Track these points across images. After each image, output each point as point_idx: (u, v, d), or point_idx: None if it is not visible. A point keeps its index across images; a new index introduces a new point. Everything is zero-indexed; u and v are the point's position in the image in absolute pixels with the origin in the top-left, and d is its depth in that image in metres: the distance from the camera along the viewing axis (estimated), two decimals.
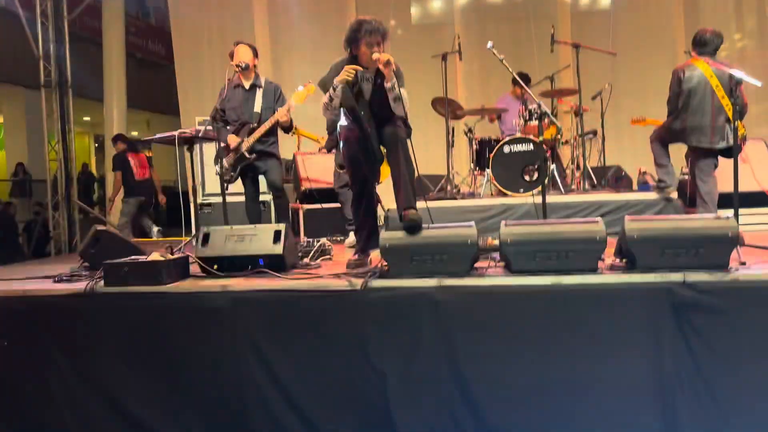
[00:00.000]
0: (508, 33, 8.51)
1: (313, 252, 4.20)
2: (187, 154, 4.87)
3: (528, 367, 3.10)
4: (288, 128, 5.27)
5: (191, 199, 5.69)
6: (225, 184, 4.99)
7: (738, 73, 3.97)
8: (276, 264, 3.58)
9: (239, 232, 3.70)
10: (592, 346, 3.06)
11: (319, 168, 6.51)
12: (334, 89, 3.65)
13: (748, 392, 2.96)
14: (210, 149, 6.40)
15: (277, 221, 5.22)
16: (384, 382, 3.19)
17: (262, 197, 5.45)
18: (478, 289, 3.16)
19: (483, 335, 3.13)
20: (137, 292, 3.38)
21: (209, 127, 4.66)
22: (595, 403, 3.05)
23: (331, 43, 8.10)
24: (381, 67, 3.60)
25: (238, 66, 4.89)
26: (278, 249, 3.60)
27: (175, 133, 4.63)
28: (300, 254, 4.14)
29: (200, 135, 4.76)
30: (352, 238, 5.02)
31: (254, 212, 5.30)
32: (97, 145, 17.70)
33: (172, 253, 3.68)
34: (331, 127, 5.57)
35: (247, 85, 5.06)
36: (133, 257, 3.60)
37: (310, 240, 4.84)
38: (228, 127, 5.08)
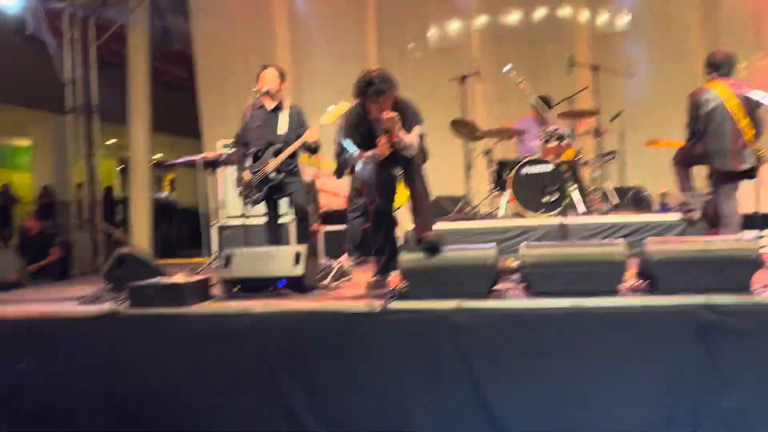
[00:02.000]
0: (526, 55, 8.52)
1: (333, 273, 4.23)
2: (210, 177, 4.93)
3: (549, 390, 3.07)
4: (315, 149, 5.33)
5: (213, 221, 5.75)
6: (250, 206, 5.04)
7: (756, 95, 3.96)
8: (296, 285, 3.62)
9: (260, 254, 3.75)
10: (614, 370, 3.03)
11: (339, 190, 6.56)
12: (354, 158, 3.76)
13: None
14: (232, 172, 6.48)
15: (299, 243, 5.26)
16: (403, 403, 3.18)
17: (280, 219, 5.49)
18: (497, 311, 3.16)
19: (503, 357, 3.12)
20: (161, 314, 3.42)
21: (232, 151, 4.73)
22: (617, 427, 3.01)
23: (351, 68, 8.21)
24: (385, 127, 3.61)
25: (263, 90, 4.97)
26: (299, 270, 3.64)
27: (198, 157, 4.70)
28: (320, 275, 4.17)
29: (223, 159, 4.83)
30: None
31: (274, 234, 5.34)
32: (121, 167, 17.98)
33: (194, 275, 3.73)
34: (340, 154, 5.63)
35: (269, 106, 5.14)
36: (156, 279, 3.66)
37: (330, 261, 4.88)
38: (248, 151, 5.14)
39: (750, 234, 3.38)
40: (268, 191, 5.06)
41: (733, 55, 4.79)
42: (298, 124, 5.18)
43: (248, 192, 5.08)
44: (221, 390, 3.35)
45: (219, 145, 6.40)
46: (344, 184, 6.08)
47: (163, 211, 13.37)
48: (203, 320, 3.41)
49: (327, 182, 6.68)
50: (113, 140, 15.20)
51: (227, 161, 4.94)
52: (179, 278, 3.60)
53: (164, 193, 18.37)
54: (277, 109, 5.14)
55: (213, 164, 4.88)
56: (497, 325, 3.13)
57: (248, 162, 5.12)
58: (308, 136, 4.99)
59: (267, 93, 4.99)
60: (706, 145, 4.78)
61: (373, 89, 3.61)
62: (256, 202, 5.13)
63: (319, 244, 6.35)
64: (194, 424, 3.37)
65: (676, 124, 6.59)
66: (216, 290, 3.75)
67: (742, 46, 8.07)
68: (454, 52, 8.59)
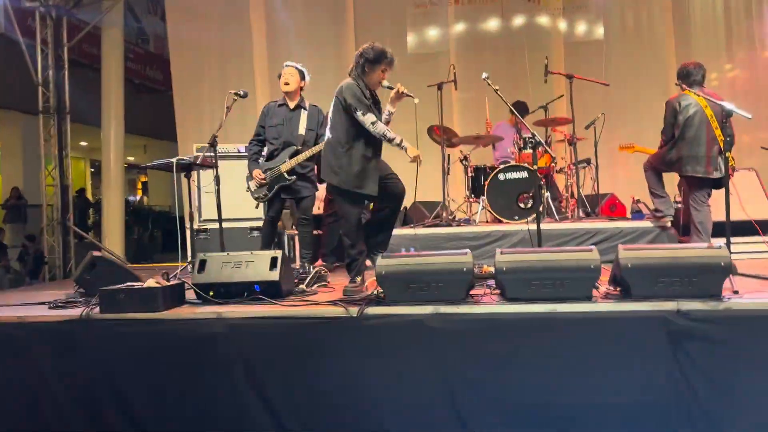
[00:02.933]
0: (503, 63, 8.62)
1: (309, 278, 4.21)
2: (185, 181, 4.88)
3: (523, 395, 3.10)
4: None
5: (187, 224, 5.69)
6: (256, 204, 5.11)
7: (729, 106, 4.04)
8: (272, 290, 3.59)
9: (235, 258, 3.72)
10: (587, 375, 3.06)
11: (318, 194, 6.54)
12: (393, 140, 3.86)
13: (744, 420, 2.96)
14: (207, 176, 6.43)
15: (302, 248, 5.24)
16: (380, 408, 3.18)
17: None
18: (473, 316, 3.17)
19: (478, 363, 3.14)
20: (133, 318, 3.38)
21: (208, 154, 4.69)
22: (589, 430, 3.04)
23: (329, 68, 8.21)
24: (395, 95, 3.97)
25: (284, 88, 5.08)
26: (274, 276, 3.61)
27: (174, 160, 4.66)
28: (296, 280, 4.14)
29: (198, 162, 4.79)
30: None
31: (270, 236, 5.29)
32: (93, 170, 17.72)
33: (167, 280, 3.68)
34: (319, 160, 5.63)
35: (291, 105, 5.13)
36: (128, 284, 3.60)
37: (306, 266, 4.85)
38: (265, 148, 5.11)
39: (720, 241, 3.44)
40: (278, 191, 5.04)
41: (701, 65, 4.89)
42: (318, 125, 5.17)
43: (258, 189, 5.05)
44: (194, 395, 3.30)
45: (195, 148, 6.35)
46: (322, 188, 6.06)
47: (136, 215, 13.18)
48: (176, 325, 3.37)
49: None
50: (85, 142, 14.99)
51: (202, 165, 4.89)
52: (152, 283, 3.55)
53: (137, 197, 18.15)
54: (299, 107, 5.14)
55: (187, 168, 4.82)
56: (473, 331, 3.15)
57: (262, 160, 5.10)
58: None
59: (290, 91, 5.07)
60: (680, 151, 4.86)
61: (389, 57, 3.96)
62: (263, 200, 5.10)
63: (296, 248, 6.32)
64: (166, 429, 3.32)
65: (648, 132, 6.71)
66: (190, 295, 3.71)
67: (714, 57, 8.29)
68: (431, 59, 8.64)
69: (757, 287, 3.40)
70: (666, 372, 3.01)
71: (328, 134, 4.06)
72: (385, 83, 3.99)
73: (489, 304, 3.25)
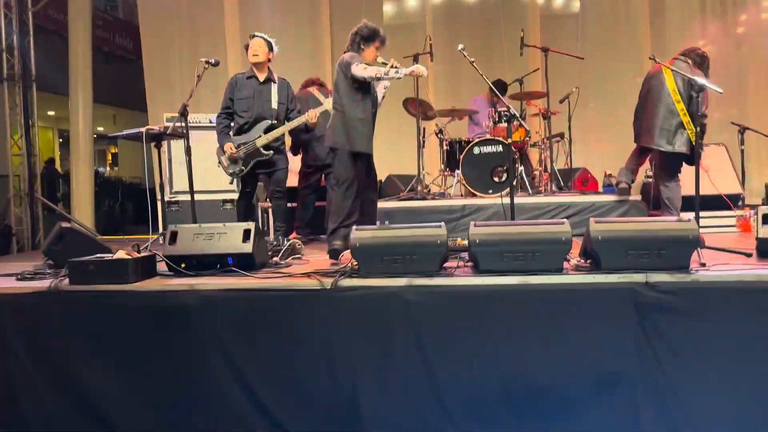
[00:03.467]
0: (480, 35, 8.58)
1: (283, 251, 4.19)
2: (155, 151, 4.80)
3: (496, 365, 3.14)
4: (311, 130, 5.29)
5: (158, 196, 5.61)
6: (231, 179, 5.06)
7: (700, 80, 4.06)
8: (245, 263, 3.56)
9: (208, 230, 3.67)
10: (558, 345, 3.11)
11: (292, 167, 6.49)
12: (393, 70, 4.10)
13: (708, 392, 3.03)
14: (178, 146, 6.32)
15: (276, 221, 5.21)
16: (353, 380, 3.20)
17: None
18: (447, 288, 3.19)
19: (452, 334, 3.16)
20: (102, 290, 3.33)
21: (178, 124, 4.60)
22: (561, 400, 3.10)
23: (303, 37, 8.09)
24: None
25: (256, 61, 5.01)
26: (247, 248, 3.58)
27: (143, 129, 4.56)
28: (270, 253, 4.12)
29: (168, 132, 4.70)
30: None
31: (247, 210, 5.25)
32: (61, 140, 17.33)
33: (138, 251, 3.63)
34: (296, 133, 5.59)
35: (261, 77, 5.03)
36: (98, 255, 3.54)
37: (280, 239, 4.82)
38: (233, 122, 5.02)
39: (689, 215, 3.50)
40: (254, 166, 4.97)
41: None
42: (288, 99, 5.09)
43: (232, 164, 4.97)
44: (165, 367, 3.28)
45: (165, 118, 6.23)
46: (297, 161, 6.01)
47: (107, 187, 12.95)
48: (147, 297, 3.33)
49: None
50: (53, 112, 14.61)
51: (173, 134, 4.80)
52: (122, 254, 3.50)
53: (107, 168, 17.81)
54: (269, 80, 5.04)
55: (157, 138, 4.73)
56: (446, 302, 3.17)
57: (231, 133, 5.01)
58: (309, 116, 4.92)
59: (259, 63, 5.00)
60: (640, 123, 4.90)
61: (383, 35, 4.36)
62: (239, 176, 5.03)
63: (269, 221, 6.28)
64: (138, 403, 3.30)
65: (620, 106, 6.75)
66: (162, 267, 3.66)
67: (687, 33, 8.36)
68: (407, 29, 8.55)
69: (724, 260, 3.46)
70: (633, 343, 3.07)
71: (335, 105, 4.36)
72: (380, 60, 4.26)
73: (462, 276, 3.27)
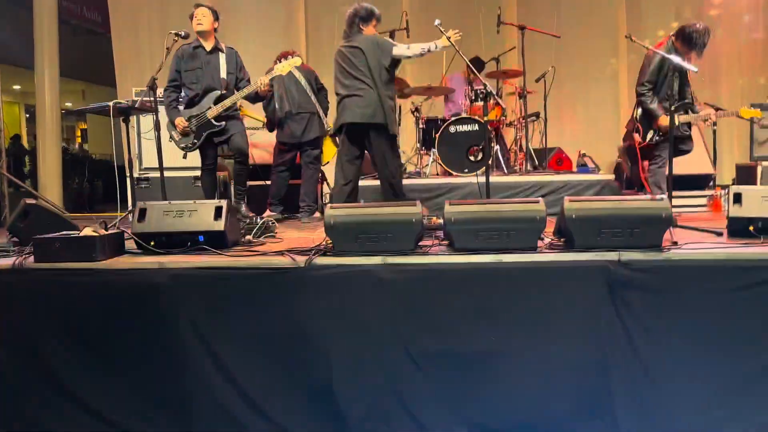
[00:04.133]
0: (456, 12, 8.50)
1: (256, 229, 4.13)
2: (123, 126, 4.67)
3: (470, 343, 3.14)
4: (262, 98, 5.21)
5: (127, 173, 5.48)
6: (184, 153, 4.92)
7: (675, 60, 4.07)
8: (217, 241, 3.49)
9: (178, 207, 3.59)
10: (532, 324, 3.12)
11: (263, 144, 6.41)
12: (431, 45, 4.68)
13: (679, 370, 3.06)
14: (147, 121, 6.18)
15: (237, 185, 5.15)
16: (327, 359, 3.17)
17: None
18: (422, 266, 3.17)
19: (427, 312, 3.15)
20: (69, 268, 3.24)
21: (147, 98, 4.48)
22: (535, 378, 3.12)
23: (276, 18, 7.92)
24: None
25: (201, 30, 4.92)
26: (219, 225, 3.51)
27: (110, 103, 4.43)
28: (243, 231, 4.05)
29: (137, 106, 4.59)
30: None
31: (211, 185, 5.17)
32: (28, 115, 16.88)
33: (106, 229, 3.54)
34: (271, 111, 5.52)
35: (208, 47, 4.92)
36: (64, 232, 3.45)
37: (253, 216, 4.76)
38: (183, 93, 4.92)
39: (661, 194, 3.52)
40: (208, 137, 4.88)
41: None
42: (237, 68, 5.01)
43: (184, 138, 4.88)
44: (135, 346, 3.22)
45: (133, 92, 6.08)
46: (270, 137, 5.92)
47: (75, 163, 12.66)
48: (115, 275, 3.25)
49: (255, 138, 6.51)
50: (18, 86, 14.21)
51: (141, 109, 4.68)
52: (89, 231, 3.41)
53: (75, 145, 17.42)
54: (216, 50, 4.94)
55: (126, 112, 4.60)
56: (421, 281, 3.15)
57: (182, 106, 4.92)
58: (260, 83, 4.83)
59: (204, 32, 4.90)
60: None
61: (379, 14, 4.85)
62: (191, 149, 4.93)
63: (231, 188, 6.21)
64: (108, 383, 3.24)
65: (593, 87, 6.75)
66: (130, 245, 3.58)
67: (662, 14, 8.40)
68: (383, 5, 8.41)
69: (696, 239, 3.50)
70: (605, 321, 3.09)
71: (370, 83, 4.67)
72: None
73: (437, 255, 3.26)
